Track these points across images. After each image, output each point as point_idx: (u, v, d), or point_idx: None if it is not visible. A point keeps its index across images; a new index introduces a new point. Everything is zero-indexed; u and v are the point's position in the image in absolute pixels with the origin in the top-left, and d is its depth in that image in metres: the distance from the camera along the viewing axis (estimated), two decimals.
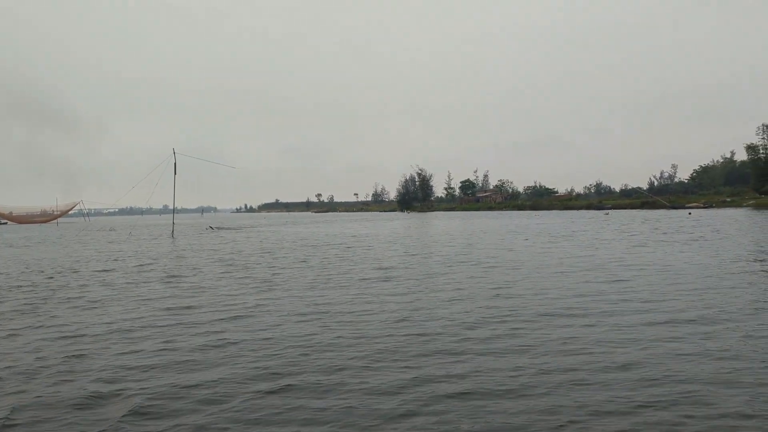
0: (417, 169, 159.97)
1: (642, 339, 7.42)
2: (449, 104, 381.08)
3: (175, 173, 47.88)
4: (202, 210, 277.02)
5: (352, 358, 6.83)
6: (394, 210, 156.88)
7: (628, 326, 8.18)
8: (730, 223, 38.35)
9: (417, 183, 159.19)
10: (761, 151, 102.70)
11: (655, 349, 6.91)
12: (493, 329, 8.22)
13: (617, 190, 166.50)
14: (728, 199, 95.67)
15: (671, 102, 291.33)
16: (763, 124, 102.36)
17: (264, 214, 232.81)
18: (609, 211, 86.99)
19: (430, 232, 40.48)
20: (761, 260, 16.22)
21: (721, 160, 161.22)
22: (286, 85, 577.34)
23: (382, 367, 6.48)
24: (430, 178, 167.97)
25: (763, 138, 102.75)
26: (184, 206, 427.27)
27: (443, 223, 57.28)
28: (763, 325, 8.10)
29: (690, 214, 62.24)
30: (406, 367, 6.45)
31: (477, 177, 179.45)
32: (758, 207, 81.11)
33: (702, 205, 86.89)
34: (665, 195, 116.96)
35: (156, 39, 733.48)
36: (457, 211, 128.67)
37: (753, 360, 6.41)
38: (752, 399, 5.23)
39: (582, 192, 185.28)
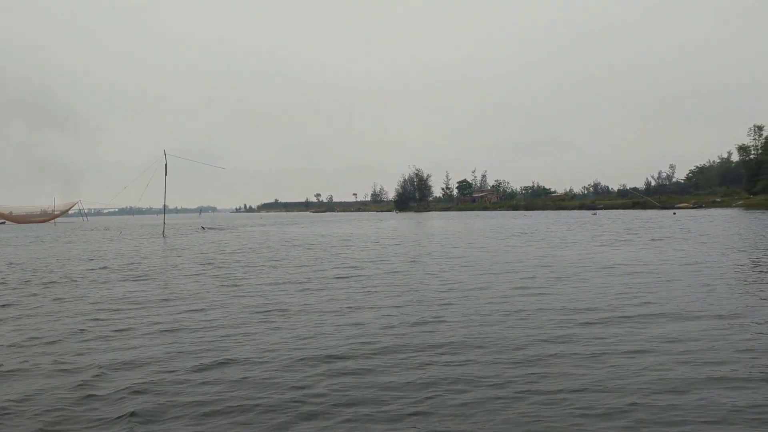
0: (414, 170, 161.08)
1: (540, 336, 8.22)
2: (449, 104, 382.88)
3: (165, 174, 48.81)
4: (200, 210, 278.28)
5: (280, 349, 7.62)
6: (391, 210, 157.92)
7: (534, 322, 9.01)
8: (706, 223, 39.17)
9: (414, 183, 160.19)
10: (752, 152, 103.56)
11: (538, 346, 7.73)
12: (415, 327, 9.03)
13: (615, 190, 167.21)
14: (718, 200, 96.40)
15: (671, 102, 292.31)
16: (754, 125, 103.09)
17: (262, 214, 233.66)
18: (597, 211, 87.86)
19: (411, 232, 41.30)
20: (700, 262, 17.01)
21: (718, 161, 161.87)
22: (287, 85, 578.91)
23: (307, 362, 7.28)
24: (428, 179, 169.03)
25: (755, 139, 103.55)
26: (184, 206, 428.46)
27: (429, 224, 58.13)
28: (659, 322, 8.83)
29: (674, 214, 63.06)
30: (329, 356, 7.20)
31: (475, 177, 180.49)
32: (747, 207, 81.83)
33: (692, 206, 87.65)
34: (662, 195, 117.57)
35: (156, 38, 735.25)
36: (453, 211, 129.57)
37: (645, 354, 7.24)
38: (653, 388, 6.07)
39: (580, 192, 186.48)
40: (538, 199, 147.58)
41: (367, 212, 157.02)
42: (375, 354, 7.04)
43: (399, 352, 7.12)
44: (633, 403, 5.16)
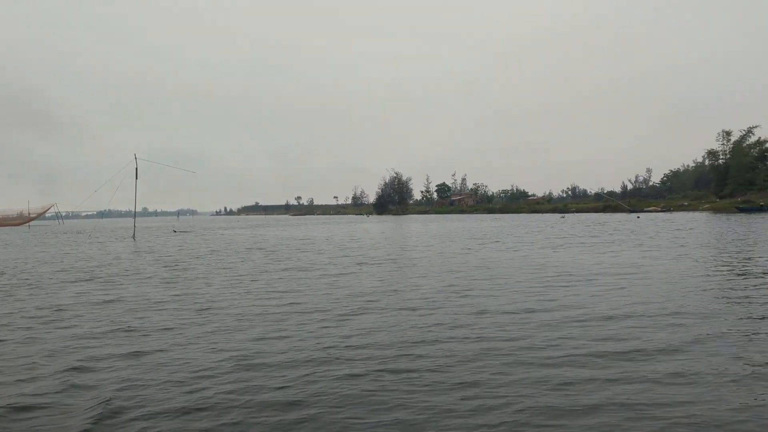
0: (393, 173, 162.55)
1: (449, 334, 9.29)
2: (434, 108, 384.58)
3: (136, 178, 49.53)
4: (178, 213, 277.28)
5: (192, 345, 8.66)
6: (370, 213, 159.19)
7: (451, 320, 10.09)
8: (662, 226, 40.80)
9: (394, 187, 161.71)
10: (721, 157, 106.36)
11: (454, 343, 8.79)
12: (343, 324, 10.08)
13: (592, 193, 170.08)
14: (686, 203, 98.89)
15: (651, 107, 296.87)
16: (723, 131, 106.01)
17: (239, 217, 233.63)
18: (565, 215, 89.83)
19: (374, 235, 42.36)
20: (621, 265, 18.27)
21: (693, 165, 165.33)
22: (270, 87, 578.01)
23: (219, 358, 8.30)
24: (409, 182, 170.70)
25: (723, 144, 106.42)
26: (164, 209, 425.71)
27: (395, 226, 59.30)
28: (568, 321, 9.81)
29: (638, 217, 64.92)
30: (238, 354, 8.26)
31: (455, 180, 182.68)
32: (714, 210, 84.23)
33: (660, 209, 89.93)
34: (632, 199, 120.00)
35: (138, 40, 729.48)
36: (431, 214, 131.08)
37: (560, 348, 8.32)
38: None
39: (559, 195, 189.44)
40: (514, 202, 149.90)
41: (345, 215, 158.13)
42: (270, 353, 7.98)
43: (292, 348, 8.15)
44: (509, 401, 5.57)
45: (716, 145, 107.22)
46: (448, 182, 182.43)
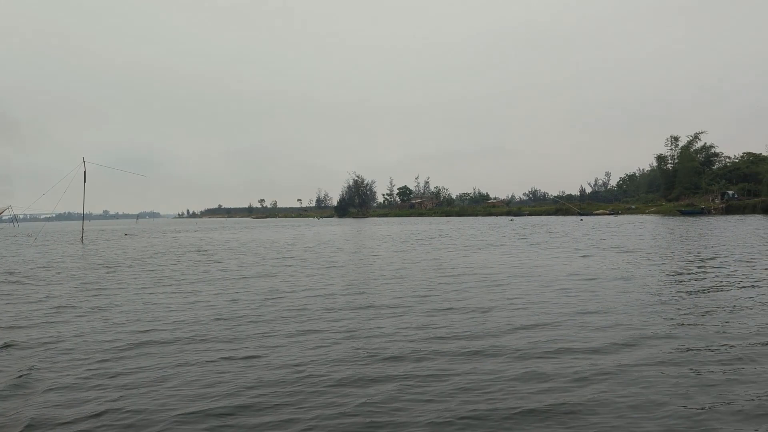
0: (354, 176, 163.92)
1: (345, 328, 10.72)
2: (400, 111, 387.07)
3: (84, 181, 49.80)
4: (138, 216, 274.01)
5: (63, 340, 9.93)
6: (331, 216, 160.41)
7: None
8: (594, 229, 43.23)
9: (354, 190, 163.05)
10: (669, 162, 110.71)
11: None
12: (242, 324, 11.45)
13: (552, 196, 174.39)
14: (633, 207, 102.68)
15: (612, 112, 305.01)
16: (671, 136, 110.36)
17: (198, 220, 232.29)
18: (514, 218, 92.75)
19: (315, 238, 43.69)
20: (533, 265, 20.04)
21: (649, 169, 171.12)
22: (235, 89, 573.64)
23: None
24: (372, 185, 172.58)
25: (671, 149, 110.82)
26: (125, 211, 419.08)
27: (343, 229, 60.76)
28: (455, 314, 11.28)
29: (581, 220, 67.73)
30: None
31: (418, 183, 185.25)
32: (662, 213, 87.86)
33: (608, 212, 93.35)
34: (582, 203, 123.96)
35: (101, 42, 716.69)
36: (390, 216, 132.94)
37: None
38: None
39: (520, 198, 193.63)
40: (473, 205, 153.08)
41: (305, 218, 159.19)
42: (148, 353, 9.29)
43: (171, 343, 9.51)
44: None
45: (665, 150, 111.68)
46: (412, 185, 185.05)
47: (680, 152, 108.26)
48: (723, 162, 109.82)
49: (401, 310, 10.63)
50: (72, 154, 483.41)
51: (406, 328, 9.01)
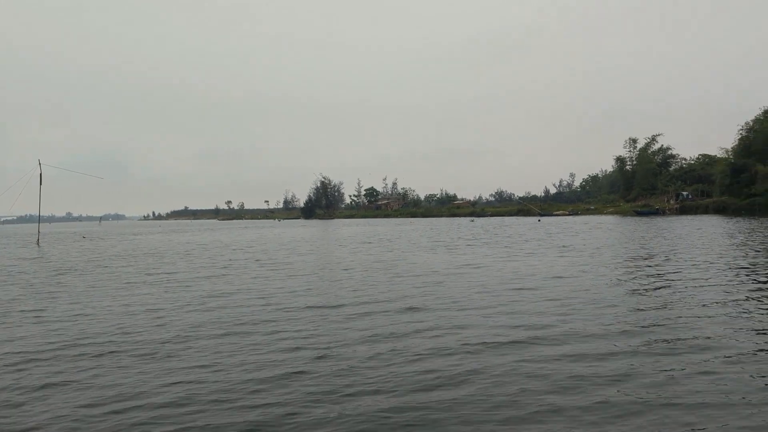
0: (321, 178, 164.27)
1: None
2: (369, 112, 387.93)
3: (40, 183, 49.35)
4: (100, 219, 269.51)
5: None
6: (298, 218, 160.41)
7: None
8: (547, 229, 44.66)
9: (321, 191, 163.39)
10: (628, 163, 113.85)
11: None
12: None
13: (518, 197, 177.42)
14: (592, 207, 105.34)
15: (577, 114, 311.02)
16: (629, 138, 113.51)
17: (162, 222, 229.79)
18: (476, 218, 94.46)
19: (268, 239, 44.15)
20: (469, 264, 20.96)
21: (611, 170, 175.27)
22: (203, 88, 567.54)
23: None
24: (340, 186, 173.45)
25: (630, 151, 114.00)
26: (90, 213, 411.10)
27: (301, 231, 61.31)
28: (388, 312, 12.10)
29: (539, 221, 69.46)
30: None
31: (386, 184, 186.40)
32: (618, 213, 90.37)
33: (568, 213, 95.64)
34: (543, 204, 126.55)
35: (66, 41, 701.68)
36: (356, 218, 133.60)
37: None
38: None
39: (487, 199, 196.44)
40: (438, 207, 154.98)
41: (270, 220, 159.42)
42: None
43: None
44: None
45: (624, 152, 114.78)
46: (380, 186, 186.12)
47: (638, 154, 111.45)
48: (679, 163, 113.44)
49: (328, 310, 11.33)
50: (33, 155, 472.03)
51: (322, 327, 9.72)
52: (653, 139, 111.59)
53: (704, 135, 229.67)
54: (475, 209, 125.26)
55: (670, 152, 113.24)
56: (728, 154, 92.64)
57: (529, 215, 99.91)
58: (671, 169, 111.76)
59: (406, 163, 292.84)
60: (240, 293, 13.60)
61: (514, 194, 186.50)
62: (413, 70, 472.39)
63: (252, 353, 7.72)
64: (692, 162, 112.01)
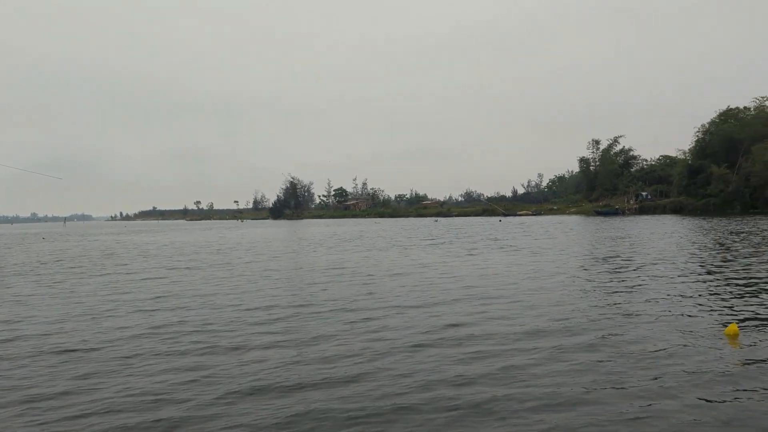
0: (290, 178, 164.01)
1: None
2: (340, 111, 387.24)
3: None
4: (65, 219, 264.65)
5: None
6: (266, 218, 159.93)
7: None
8: (501, 229, 45.77)
9: (290, 191, 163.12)
10: (591, 164, 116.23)
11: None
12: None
13: (486, 197, 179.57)
14: (555, 208, 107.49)
15: (547, 114, 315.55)
16: (592, 140, 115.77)
17: (127, 222, 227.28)
18: (439, 219, 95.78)
19: (220, 241, 44.39)
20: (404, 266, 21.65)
21: (577, 170, 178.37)
22: (172, 86, 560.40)
23: None
24: (310, 186, 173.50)
25: (593, 152, 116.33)
26: (56, 214, 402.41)
27: (264, 231, 61.60)
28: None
29: (500, 221, 70.86)
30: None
31: (356, 185, 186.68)
32: (580, 214, 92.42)
33: (531, 213, 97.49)
34: (513, 203, 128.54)
35: (33, 37, 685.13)
36: (324, 218, 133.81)
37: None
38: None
39: (457, 199, 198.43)
40: (405, 207, 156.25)
41: (231, 220, 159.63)
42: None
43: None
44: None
45: (587, 153, 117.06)
46: (350, 186, 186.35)
47: (601, 155, 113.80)
48: (641, 164, 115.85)
49: (261, 310, 11.87)
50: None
51: (243, 324, 10.27)
52: (615, 141, 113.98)
53: (662, 136, 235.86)
54: (442, 209, 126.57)
55: (632, 153, 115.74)
56: (686, 156, 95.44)
57: (494, 215, 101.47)
58: (633, 170, 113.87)
59: (378, 163, 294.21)
60: (198, 292, 14.06)
61: (483, 194, 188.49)
62: (395, 69, 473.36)
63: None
64: (653, 163, 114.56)
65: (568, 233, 37.43)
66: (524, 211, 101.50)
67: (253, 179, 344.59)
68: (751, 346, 7.71)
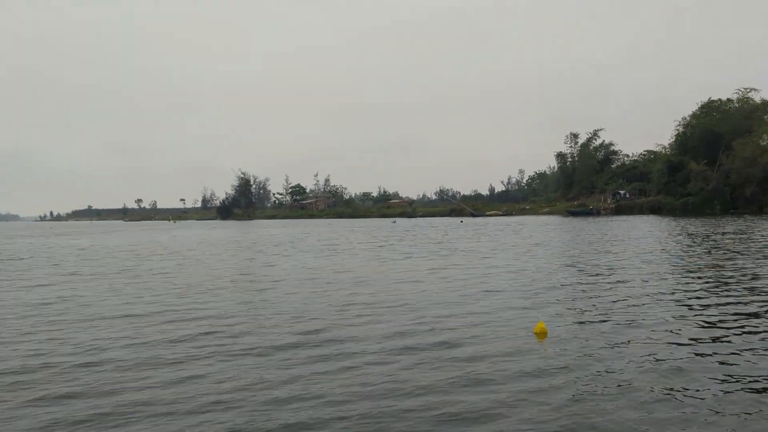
0: (240, 174, 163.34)
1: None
2: (301, 103, 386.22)
3: None
4: None
5: None
6: (214, 218, 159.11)
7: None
8: (453, 231, 47.17)
9: (243, 189, 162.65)
10: (569, 159, 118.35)
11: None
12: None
13: (462, 195, 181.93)
14: (527, 207, 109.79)
15: (528, 110, 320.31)
16: (570, 133, 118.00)
17: (62, 222, 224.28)
18: (397, 219, 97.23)
19: (138, 245, 44.96)
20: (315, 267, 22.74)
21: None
22: (110, 77, 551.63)
23: None
24: (266, 183, 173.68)
25: (571, 147, 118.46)
26: None
27: (197, 232, 62.10)
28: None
29: (462, 222, 72.45)
30: None
31: (318, 181, 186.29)
32: (555, 214, 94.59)
33: (502, 213, 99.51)
34: (482, 203, 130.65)
35: None
36: (278, 219, 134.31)
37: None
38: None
39: (429, 198, 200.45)
40: (370, 206, 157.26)
41: (183, 221, 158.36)
42: None
43: None
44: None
45: (564, 148, 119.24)
46: (311, 183, 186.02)
47: (580, 150, 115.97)
48: (622, 160, 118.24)
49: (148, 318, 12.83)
50: None
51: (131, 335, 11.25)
52: (595, 134, 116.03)
53: (651, 130, 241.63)
54: (407, 209, 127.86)
55: (612, 148, 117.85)
56: (666, 151, 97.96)
57: (461, 215, 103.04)
58: (614, 166, 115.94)
59: (346, 159, 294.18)
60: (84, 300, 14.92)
61: (459, 192, 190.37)
62: (340, 61, 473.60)
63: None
64: (635, 159, 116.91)
65: (512, 236, 38.88)
66: (494, 212, 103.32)
67: (203, 175, 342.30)
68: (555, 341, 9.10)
